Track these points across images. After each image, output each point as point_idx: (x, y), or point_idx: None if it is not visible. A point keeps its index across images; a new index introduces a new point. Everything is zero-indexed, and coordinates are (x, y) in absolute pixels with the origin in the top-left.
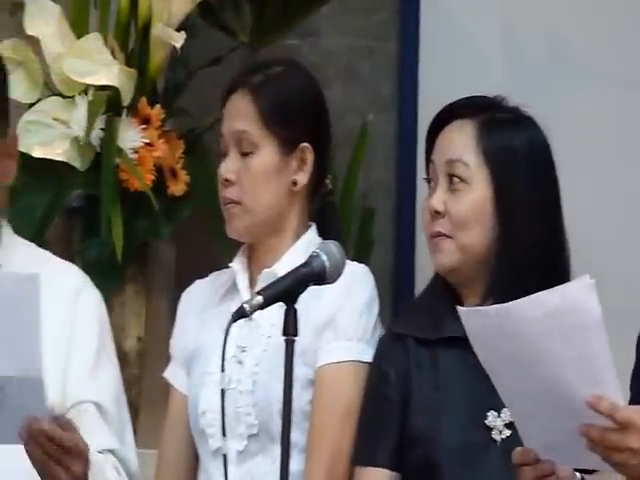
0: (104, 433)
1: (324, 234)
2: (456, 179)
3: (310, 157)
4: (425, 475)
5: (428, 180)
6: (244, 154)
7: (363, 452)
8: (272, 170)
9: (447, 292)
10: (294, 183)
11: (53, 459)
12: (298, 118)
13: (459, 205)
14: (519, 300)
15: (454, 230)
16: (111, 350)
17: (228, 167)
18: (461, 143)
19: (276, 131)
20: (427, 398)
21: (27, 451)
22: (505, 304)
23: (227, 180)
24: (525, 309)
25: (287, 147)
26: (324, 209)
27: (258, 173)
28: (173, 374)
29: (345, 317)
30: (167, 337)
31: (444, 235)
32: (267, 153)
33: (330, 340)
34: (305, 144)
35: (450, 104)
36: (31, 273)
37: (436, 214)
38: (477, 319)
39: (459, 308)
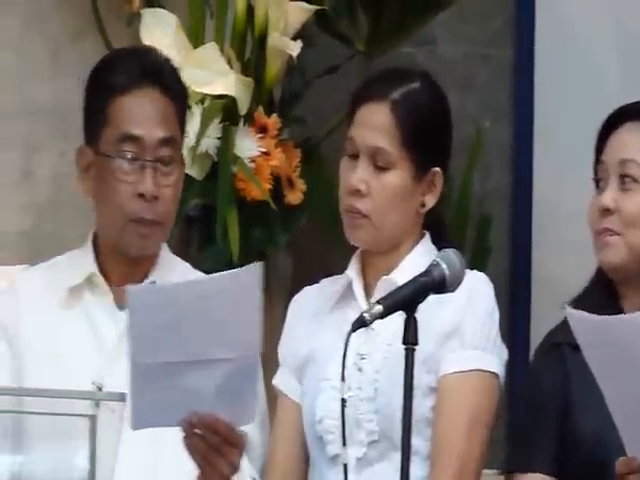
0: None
1: (437, 241)
2: (628, 179)
3: (440, 181)
4: (592, 474)
5: (597, 180)
6: (377, 167)
7: (519, 458)
8: (405, 191)
9: (607, 290)
10: (422, 205)
11: (213, 449)
12: (434, 142)
13: (631, 203)
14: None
15: (624, 228)
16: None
17: (359, 176)
18: (634, 144)
19: (413, 153)
20: (590, 399)
21: (187, 444)
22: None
23: (358, 190)
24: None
25: (421, 170)
26: (435, 216)
27: (391, 192)
28: (283, 381)
29: (469, 326)
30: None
31: (613, 232)
32: (402, 173)
33: (455, 349)
34: (436, 169)
35: (621, 107)
36: (251, 265)
37: (606, 211)
38: (585, 325)
39: (568, 310)
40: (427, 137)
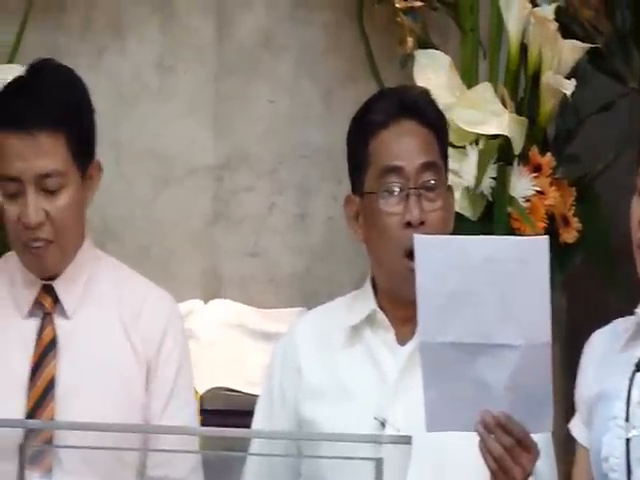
0: None
1: None
2: None
3: None
4: None
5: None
6: None
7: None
8: None
9: None
10: None
11: (508, 452)
12: None
13: None
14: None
15: None
16: None
17: None
18: None
19: None
20: None
21: (482, 448)
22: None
23: None
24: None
25: None
26: None
27: None
28: (577, 428)
29: None
30: (562, 386)
31: None
32: None
33: None
34: None
35: None
36: (539, 237)
37: None
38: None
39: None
40: None
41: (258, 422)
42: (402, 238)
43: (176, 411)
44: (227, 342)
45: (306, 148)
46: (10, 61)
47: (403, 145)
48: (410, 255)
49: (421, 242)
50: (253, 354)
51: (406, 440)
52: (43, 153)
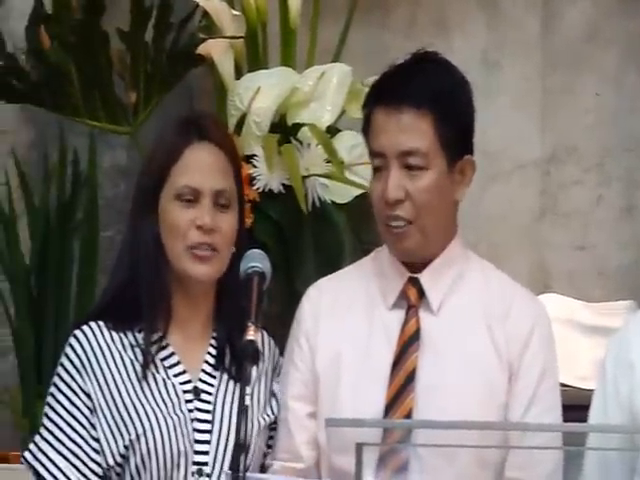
0: None
1: None
2: None
3: None
4: None
5: None
6: None
7: None
8: None
9: None
10: None
11: None
12: None
13: None
14: None
15: None
16: None
17: None
18: None
19: None
20: None
21: None
22: None
23: None
24: None
25: None
26: None
27: None
28: None
29: None
30: None
31: None
32: None
33: None
34: None
35: None
36: None
37: None
38: None
39: None
40: None
41: (593, 417)
42: None
43: (538, 416)
44: (557, 337)
45: (632, 141)
46: (335, 60)
47: None
48: None
49: None
50: (583, 348)
51: None
52: (408, 130)
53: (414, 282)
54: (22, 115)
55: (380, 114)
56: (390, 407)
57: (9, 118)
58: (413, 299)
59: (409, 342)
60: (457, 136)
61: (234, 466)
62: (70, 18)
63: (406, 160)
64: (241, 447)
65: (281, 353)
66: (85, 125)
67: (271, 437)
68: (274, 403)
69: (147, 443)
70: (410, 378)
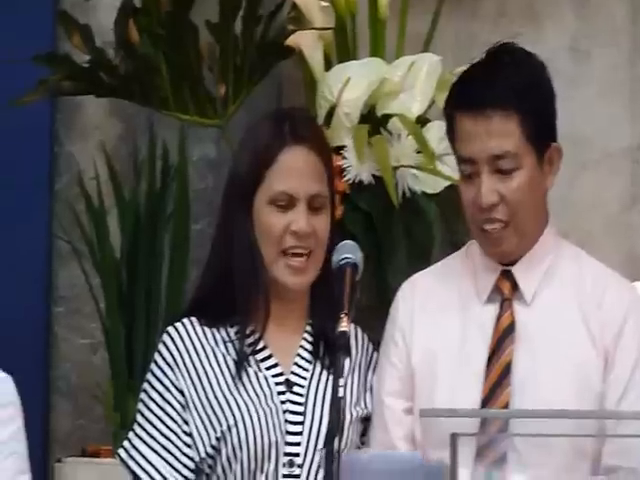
0: None
1: None
2: None
3: None
4: None
5: None
6: None
7: None
8: None
9: None
10: None
11: None
12: None
13: None
14: None
15: None
16: None
17: None
18: None
19: None
20: None
21: None
22: None
23: None
24: None
25: None
26: None
27: None
28: None
29: None
30: None
31: None
32: None
33: None
34: None
35: None
36: None
37: None
38: None
39: None
40: None
41: None
42: None
43: (635, 401)
44: None
45: None
46: (425, 50)
47: None
48: None
49: None
50: None
51: None
52: (496, 134)
53: (507, 275)
54: (111, 109)
55: (465, 119)
56: (487, 401)
57: (98, 112)
58: (507, 292)
59: (504, 335)
60: (543, 127)
61: (328, 456)
62: (159, 11)
63: (497, 164)
64: (334, 434)
65: (374, 345)
66: (174, 118)
67: (363, 432)
68: (368, 397)
69: (238, 434)
70: (506, 372)
